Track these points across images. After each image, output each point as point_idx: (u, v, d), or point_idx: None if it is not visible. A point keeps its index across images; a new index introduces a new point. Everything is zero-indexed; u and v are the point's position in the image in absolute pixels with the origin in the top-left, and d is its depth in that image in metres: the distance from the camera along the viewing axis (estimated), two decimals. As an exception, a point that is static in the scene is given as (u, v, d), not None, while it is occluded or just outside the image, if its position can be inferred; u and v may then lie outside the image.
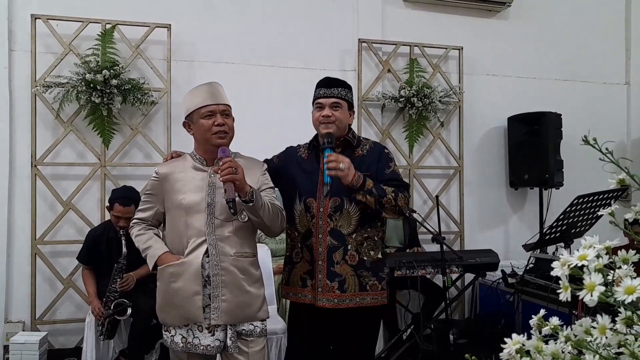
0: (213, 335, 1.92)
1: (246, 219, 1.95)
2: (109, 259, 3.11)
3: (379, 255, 2.17)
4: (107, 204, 3.20)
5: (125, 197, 3.07)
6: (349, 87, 2.23)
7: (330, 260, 2.10)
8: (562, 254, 0.77)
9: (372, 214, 2.15)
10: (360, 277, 2.11)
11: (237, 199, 1.84)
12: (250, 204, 1.88)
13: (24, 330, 3.42)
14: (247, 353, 1.95)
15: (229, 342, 1.92)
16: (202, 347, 1.92)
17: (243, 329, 1.96)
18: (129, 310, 2.97)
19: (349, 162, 2.01)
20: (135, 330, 3.01)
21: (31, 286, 3.49)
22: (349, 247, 2.11)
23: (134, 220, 2.11)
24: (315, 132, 2.25)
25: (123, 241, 3.04)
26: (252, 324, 1.98)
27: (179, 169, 2.04)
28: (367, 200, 2.06)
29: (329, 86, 2.18)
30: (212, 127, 1.96)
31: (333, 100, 2.15)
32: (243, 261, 1.98)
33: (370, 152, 2.21)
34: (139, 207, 2.12)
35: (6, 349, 3.26)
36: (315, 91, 2.22)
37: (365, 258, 2.13)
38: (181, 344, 1.94)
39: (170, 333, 1.98)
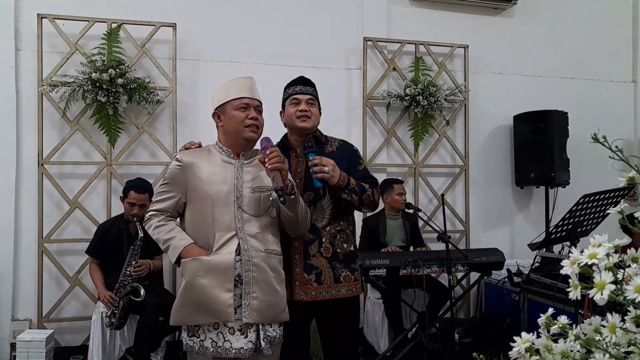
0: (246, 337, 1.81)
1: (274, 214, 1.89)
2: (118, 252, 3.14)
3: (352, 248, 2.22)
4: (121, 194, 3.29)
5: (140, 186, 3.19)
6: (316, 90, 2.31)
7: (307, 253, 2.13)
8: (571, 253, 0.77)
9: (345, 208, 2.20)
10: (334, 269, 2.15)
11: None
12: (292, 197, 1.84)
13: (30, 328, 3.44)
14: None
15: (262, 343, 1.82)
16: (234, 351, 1.78)
17: (268, 335, 1.86)
18: (143, 291, 2.94)
19: (333, 163, 2.04)
20: (142, 328, 3.02)
21: (38, 284, 3.52)
22: (324, 239, 2.15)
23: (151, 212, 1.95)
24: (284, 132, 2.31)
25: (138, 225, 3.06)
26: (275, 330, 1.90)
27: (203, 159, 1.95)
28: (352, 199, 2.12)
29: (304, 84, 2.26)
30: (245, 120, 1.93)
31: (309, 96, 2.22)
32: (274, 258, 1.92)
33: (339, 150, 2.27)
34: (156, 198, 1.97)
35: (13, 346, 3.28)
36: (289, 89, 2.27)
37: (338, 250, 2.17)
38: (211, 349, 1.81)
39: (199, 338, 1.83)
